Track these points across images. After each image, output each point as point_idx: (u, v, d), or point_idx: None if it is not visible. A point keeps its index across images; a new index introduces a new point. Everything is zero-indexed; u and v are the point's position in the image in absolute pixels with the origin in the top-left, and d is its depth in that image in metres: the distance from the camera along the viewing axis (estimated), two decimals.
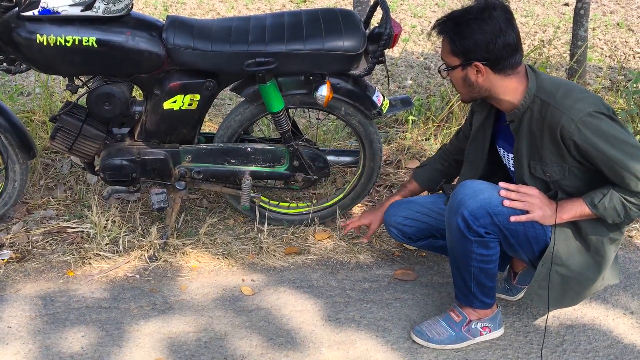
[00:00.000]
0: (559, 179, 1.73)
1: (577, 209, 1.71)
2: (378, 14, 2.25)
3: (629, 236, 2.52)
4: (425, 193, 2.25)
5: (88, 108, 2.09)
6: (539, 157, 1.73)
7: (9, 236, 2.28)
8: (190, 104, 2.11)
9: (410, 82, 5.94)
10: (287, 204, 2.52)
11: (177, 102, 2.09)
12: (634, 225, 2.61)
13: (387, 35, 2.04)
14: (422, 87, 5.76)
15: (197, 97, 2.10)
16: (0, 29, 1.92)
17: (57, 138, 2.11)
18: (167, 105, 2.09)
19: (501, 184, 1.75)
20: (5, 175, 2.26)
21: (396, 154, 3.09)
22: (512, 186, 1.75)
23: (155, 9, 7.56)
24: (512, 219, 1.71)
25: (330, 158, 2.46)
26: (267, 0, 8.28)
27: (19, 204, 2.43)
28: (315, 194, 2.70)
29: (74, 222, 2.36)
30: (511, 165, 1.88)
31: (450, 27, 1.68)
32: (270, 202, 2.49)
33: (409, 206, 2.10)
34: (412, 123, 3.25)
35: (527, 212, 1.72)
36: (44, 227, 2.34)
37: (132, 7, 2.03)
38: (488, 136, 1.92)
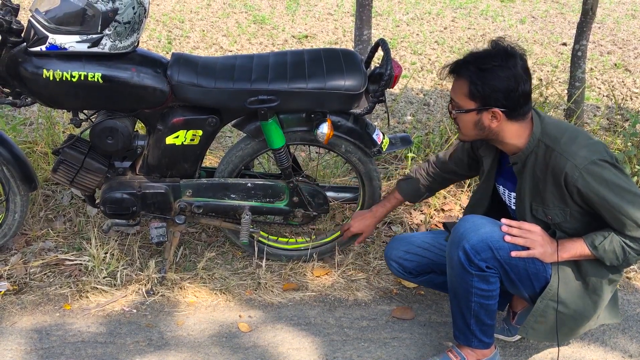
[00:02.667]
0: (560, 222, 1.76)
1: (577, 249, 1.73)
2: (379, 53, 2.29)
3: (627, 278, 2.52)
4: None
5: (91, 141, 2.11)
6: (541, 200, 1.76)
7: (7, 268, 2.27)
8: (192, 139, 2.13)
9: (410, 118, 6.00)
10: (286, 239, 2.53)
11: (180, 137, 2.12)
12: (632, 267, 2.61)
13: (387, 76, 2.07)
14: (422, 123, 5.81)
15: (200, 132, 2.12)
16: (8, 64, 1.95)
17: (59, 171, 2.13)
18: (169, 140, 2.11)
19: (503, 220, 1.76)
20: (6, 207, 2.26)
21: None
22: (514, 222, 1.76)
23: (159, 41, 7.68)
24: (513, 254, 1.72)
25: (330, 194, 2.47)
26: (269, 35, 8.41)
27: (18, 235, 2.43)
28: (314, 229, 2.71)
29: (72, 255, 2.36)
30: (512, 204, 1.90)
31: (472, 70, 1.68)
32: (269, 237, 2.49)
33: (410, 241, 2.12)
34: (411, 160, 3.27)
35: (528, 248, 1.73)
36: (42, 259, 2.34)
37: (137, 44, 2.07)
38: (492, 177, 1.94)
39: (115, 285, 2.23)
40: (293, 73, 2.07)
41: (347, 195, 2.53)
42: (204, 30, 8.14)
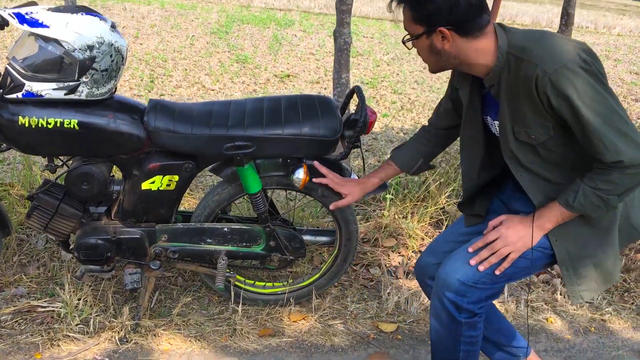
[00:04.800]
0: (545, 139, 1.59)
1: (557, 214, 1.61)
2: (356, 99, 2.33)
3: (602, 320, 2.53)
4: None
5: (66, 187, 2.10)
6: (521, 120, 1.59)
7: None
8: (168, 185, 2.13)
9: (388, 156, 6.03)
10: (262, 284, 2.51)
11: (156, 183, 2.12)
12: (607, 309, 2.63)
13: (362, 122, 2.11)
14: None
15: (176, 178, 2.13)
16: None
17: (33, 217, 2.11)
18: (145, 185, 2.11)
19: (469, 248, 1.70)
20: None
21: (373, 232, 3.12)
22: (479, 243, 1.68)
23: (142, 80, 7.72)
24: (497, 272, 1.66)
25: (307, 237, 2.48)
26: (252, 74, 8.51)
27: None
28: (292, 272, 2.70)
29: (45, 301, 2.32)
30: (497, 132, 1.74)
31: None
32: (246, 281, 2.48)
33: (435, 250, 1.96)
34: (389, 201, 3.30)
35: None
36: (14, 306, 2.29)
37: (115, 90, 2.08)
38: (479, 111, 1.76)
39: (87, 332, 2.19)
40: (269, 119, 2.10)
41: (324, 238, 2.54)
42: (186, 70, 8.21)
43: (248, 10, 13.04)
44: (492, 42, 1.58)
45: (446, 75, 9.14)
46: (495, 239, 1.66)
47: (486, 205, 1.94)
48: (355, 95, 2.23)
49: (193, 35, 10.27)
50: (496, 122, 1.71)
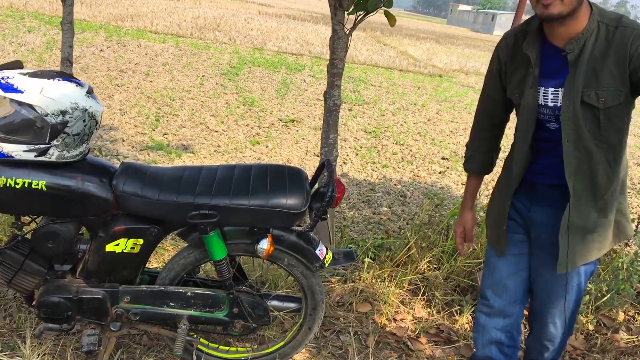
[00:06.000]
0: (612, 105, 1.77)
1: None
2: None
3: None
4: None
5: (32, 245, 2.12)
6: (596, 83, 1.76)
7: None
8: (133, 248, 2.15)
9: (385, 209, 6.05)
10: (226, 348, 2.49)
11: (120, 245, 2.13)
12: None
13: (328, 197, 2.12)
14: (396, 215, 5.86)
15: (141, 241, 2.14)
16: None
17: None
18: (109, 247, 2.13)
19: None
20: None
21: (349, 296, 3.10)
22: None
23: (147, 118, 7.82)
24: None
25: (274, 303, 2.47)
26: (256, 117, 8.61)
27: None
28: (260, 335, 2.68)
29: (5, 354, 2.32)
30: (550, 101, 1.86)
31: None
32: (210, 344, 2.46)
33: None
34: (367, 265, 3.29)
35: None
36: None
37: (87, 152, 2.12)
38: (537, 77, 1.87)
39: None
40: (237, 189, 2.12)
41: (292, 305, 2.53)
42: (192, 109, 8.34)
43: (261, 52, 13.29)
44: (588, 10, 1.78)
45: (449, 129, 9.17)
46: None
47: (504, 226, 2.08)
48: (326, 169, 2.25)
49: (203, 76, 10.45)
50: (555, 90, 1.84)
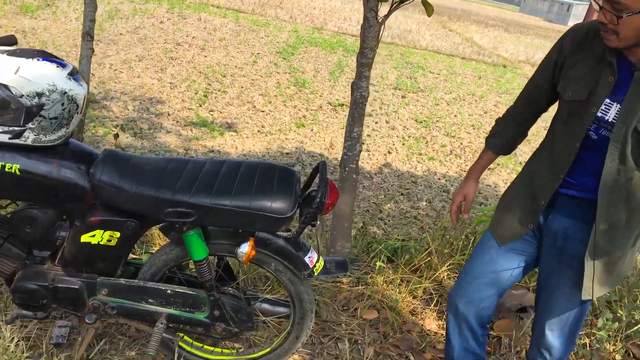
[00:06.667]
0: None
1: None
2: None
3: None
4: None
5: (10, 228, 2.06)
6: None
7: None
8: (109, 240, 2.05)
9: (424, 203, 5.79)
10: (211, 348, 2.38)
11: (96, 237, 2.04)
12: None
13: (318, 202, 1.94)
14: (436, 211, 5.59)
15: (117, 234, 2.04)
16: None
17: None
18: (85, 238, 2.04)
19: None
20: None
21: (354, 302, 2.93)
22: None
23: (196, 93, 7.80)
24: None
25: (263, 307, 2.32)
26: (305, 99, 8.44)
27: None
28: (251, 336, 2.55)
29: None
30: (606, 114, 1.76)
31: None
32: (194, 343, 2.36)
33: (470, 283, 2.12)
34: (378, 268, 3.09)
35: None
36: None
37: (70, 136, 2.02)
38: (596, 92, 1.76)
39: None
40: (220, 187, 1.97)
41: (282, 309, 2.38)
42: (242, 87, 8.26)
43: (320, 32, 13.06)
44: None
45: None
46: None
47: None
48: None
49: (258, 53, 10.36)
50: (610, 102, 1.74)
